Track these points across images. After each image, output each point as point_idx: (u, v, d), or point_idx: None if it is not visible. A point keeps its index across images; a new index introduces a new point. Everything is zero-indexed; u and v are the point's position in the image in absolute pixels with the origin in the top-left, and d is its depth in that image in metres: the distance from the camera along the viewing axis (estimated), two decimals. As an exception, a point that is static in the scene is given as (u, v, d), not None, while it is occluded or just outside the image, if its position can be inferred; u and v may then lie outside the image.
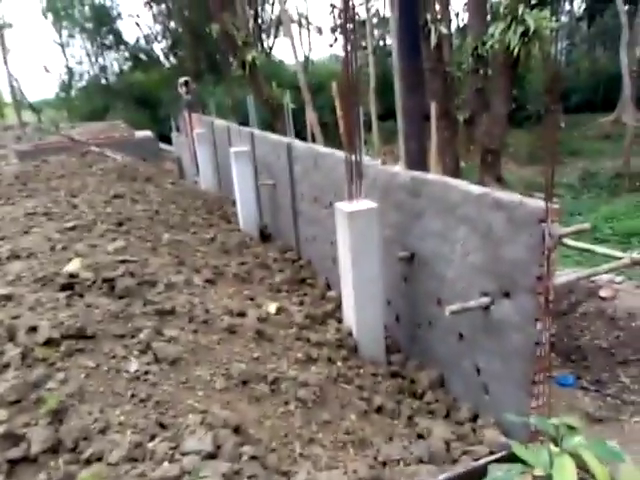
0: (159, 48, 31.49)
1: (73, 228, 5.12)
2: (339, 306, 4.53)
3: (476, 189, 3.25)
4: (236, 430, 2.45)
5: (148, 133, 16.02)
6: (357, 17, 20.43)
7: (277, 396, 2.94)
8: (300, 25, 29.90)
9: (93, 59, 30.57)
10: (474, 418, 3.32)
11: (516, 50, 9.08)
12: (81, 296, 3.42)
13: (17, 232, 5.10)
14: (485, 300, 3.13)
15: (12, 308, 3.14)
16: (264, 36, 30.17)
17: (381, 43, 26.41)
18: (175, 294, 3.82)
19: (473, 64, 13.52)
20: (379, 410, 3.25)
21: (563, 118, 16.67)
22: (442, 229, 3.54)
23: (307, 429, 2.76)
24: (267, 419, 2.72)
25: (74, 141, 12.51)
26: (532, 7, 9.42)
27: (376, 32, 26.49)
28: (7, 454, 2.12)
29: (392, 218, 4.16)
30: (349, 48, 3.70)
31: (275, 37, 30.69)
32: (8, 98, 28.66)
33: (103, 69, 30.89)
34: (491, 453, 2.74)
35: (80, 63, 30.63)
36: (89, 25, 29.47)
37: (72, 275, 3.63)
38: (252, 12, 25.49)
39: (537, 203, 2.74)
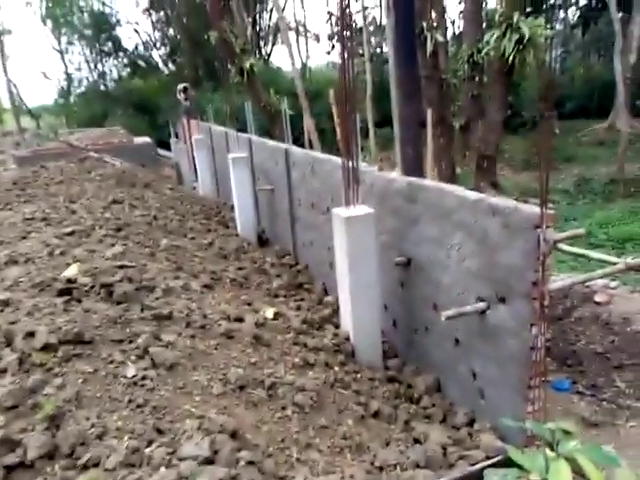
0: (158, 55, 31.65)
1: (71, 233, 5.13)
2: (336, 311, 4.55)
3: (472, 195, 3.28)
4: (233, 435, 2.45)
5: (147, 139, 16.07)
6: (354, 25, 20.64)
7: (274, 401, 2.95)
8: (298, 33, 30.11)
9: (92, 65, 30.69)
10: (470, 423, 3.33)
11: (511, 57, 9.18)
12: (79, 301, 3.43)
13: (15, 237, 5.11)
14: (481, 305, 3.16)
15: (10, 313, 3.14)
16: (262, 43, 30.39)
17: (378, 51, 26.62)
18: (173, 299, 3.83)
19: (469, 71, 13.69)
20: (376, 415, 3.25)
21: (558, 124, 16.82)
22: (438, 235, 3.57)
23: (304, 434, 2.77)
24: (264, 424, 2.72)
25: (73, 147, 12.53)
26: (527, 15, 9.55)
27: (373, 40, 26.73)
28: (3, 460, 2.11)
29: (389, 224, 4.19)
30: (346, 56, 3.75)
31: (273, 44, 30.92)
32: (7, 104, 28.71)
33: (102, 75, 31.00)
34: (487, 458, 2.75)
35: (79, 69, 30.76)
36: (88, 32, 29.61)
37: (70, 280, 3.63)
38: (250, 20, 25.67)
39: (532, 209, 2.77)
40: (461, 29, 19.83)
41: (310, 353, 3.69)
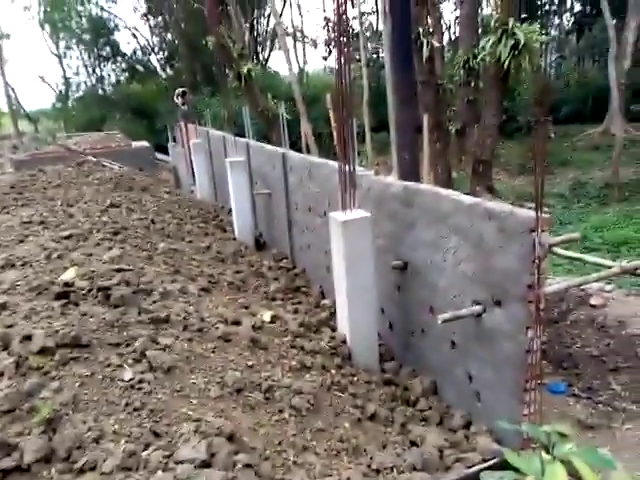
0: (156, 60, 31.75)
1: (69, 237, 5.13)
2: (333, 314, 4.56)
3: (467, 199, 3.31)
4: (230, 438, 2.46)
5: (145, 143, 16.11)
6: (351, 30, 20.78)
7: (271, 404, 2.95)
8: (295, 38, 30.29)
9: (90, 70, 30.75)
10: (467, 425, 3.34)
11: (507, 63, 9.29)
12: (76, 305, 3.42)
13: (13, 241, 5.10)
14: (477, 308, 3.17)
15: (6, 317, 3.14)
16: (260, 48, 30.53)
17: (374, 56, 26.80)
18: (170, 303, 3.84)
19: (464, 77, 13.80)
20: (372, 418, 3.26)
21: (553, 129, 16.95)
22: (434, 238, 3.60)
23: (301, 437, 2.77)
24: (261, 427, 2.72)
25: (71, 151, 12.54)
26: (522, 21, 9.67)
27: (369, 45, 26.88)
28: (0, 464, 2.11)
29: (385, 227, 4.22)
30: (343, 61, 3.79)
31: (271, 49, 31.08)
32: (5, 108, 28.70)
33: (100, 80, 31.09)
34: (484, 460, 2.76)
35: (77, 74, 30.83)
36: (86, 37, 29.70)
37: (67, 284, 3.63)
38: (248, 25, 25.80)
39: (528, 213, 2.79)
40: (457, 35, 19.98)
41: (307, 356, 3.69)
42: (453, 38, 25.20)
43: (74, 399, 2.48)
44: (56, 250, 4.58)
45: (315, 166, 5.69)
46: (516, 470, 1.52)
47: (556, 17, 29.29)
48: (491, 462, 2.65)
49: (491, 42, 9.39)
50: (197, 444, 2.32)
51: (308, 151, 12.20)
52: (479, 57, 10.75)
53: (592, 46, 24.44)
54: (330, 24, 27.06)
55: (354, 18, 22.02)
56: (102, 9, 29.59)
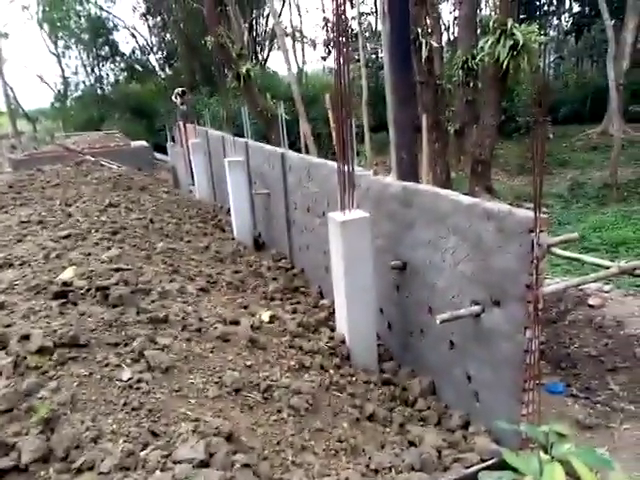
0: (155, 59, 31.75)
1: (67, 237, 5.12)
2: (332, 314, 4.56)
3: (466, 199, 3.31)
4: (228, 438, 2.45)
5: (143, 143, 16.10)
6: (350, 31, 20.79)
7: (270, 404, 2.95)
8: (294, 38, 30.28)
9: (89, 69, 30.73)
10: (465, 425, 3.34)
11: (505, 63, 9.31)
12: (75, 304, 3.42)
13: (11, 240, 5.09)
14: (475, 309, 3.18)
15: (4, 316, 3.13)
16: (259, 49, 30.54)
17: (373, 56, 26.83)
18: (169, 302, 3.83)
19: (463, 77, 13.81)
20: (371, 418, 3.26)
21: (552, 129, 16.99)
22: (433, 238, 3.60)
23: (299, 437, 2.77)
24: (259, 427, 2.72)
25: (69, 150, 12.52)
26: (521, 21, 9.69)
27: (368, 45, 26.90)
28: (-2, 463, 2.11)
29: (384, 228, 4.22)
30: (342, 61, 3.79)
31: (270, 50, 31.10)
32: (3, 107, 28.66)
33: (99, 79, 31.06)
34: (482, 460, 2.76)
35: (76, 73, 30.81)
36: (85, 36, 29.68)
37: (66, 283, 3.62)
38: (247, 25, 25.80)
39: (526, 213, 2.80)
40: (456, 35, 20.01)
41: (306, 356, 3.69)
42: (452, 38, 25.26)
43: (72, 399, 2.48)
44: (54, 250, 4.58)
45: (314, 166, 5.69)
46: (514, 470, 1.52)
47: (555, 18, 29.37)
48: (489, 462, 2.65)
49: (490, 42, 9.41)
50: (195, 444, 2.31)
51: (307, 151, 12.21)
52: (478, 57, 10.79)
53: (591, 47, 24.48)
54: (329, 24, 27.06)
55: (353, 18, 22.03)
56: (101, 9, 29.60)
